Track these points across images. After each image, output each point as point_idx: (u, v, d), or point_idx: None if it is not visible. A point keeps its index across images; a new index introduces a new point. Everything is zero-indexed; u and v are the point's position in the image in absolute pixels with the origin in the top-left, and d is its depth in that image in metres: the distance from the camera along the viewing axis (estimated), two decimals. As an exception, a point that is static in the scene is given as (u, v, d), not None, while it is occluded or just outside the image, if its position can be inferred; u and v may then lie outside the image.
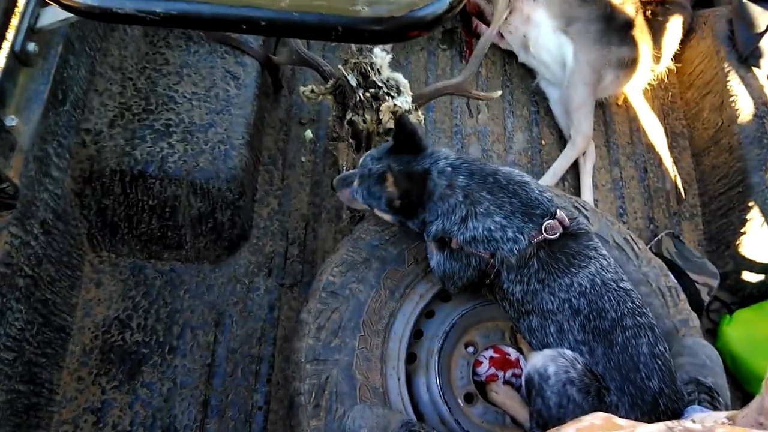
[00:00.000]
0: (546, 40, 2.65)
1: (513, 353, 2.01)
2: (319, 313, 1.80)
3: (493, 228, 1.68)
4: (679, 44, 2.75)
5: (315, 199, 2.43)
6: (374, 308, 1.84)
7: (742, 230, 2.37)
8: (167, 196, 2.03)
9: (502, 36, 2.79)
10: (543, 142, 2.73)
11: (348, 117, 2.10)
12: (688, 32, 2.79)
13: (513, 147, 2.68)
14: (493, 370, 1.98)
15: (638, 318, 1.64)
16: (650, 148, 2.76)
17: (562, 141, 2.73)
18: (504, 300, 1.78)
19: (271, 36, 2.29)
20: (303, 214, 2.40)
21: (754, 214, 2.32)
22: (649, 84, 2.80)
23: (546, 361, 1.63)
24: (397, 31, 1.12)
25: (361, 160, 1.84)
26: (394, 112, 2.07)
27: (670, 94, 2.91)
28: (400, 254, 1.91)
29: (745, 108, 2.46)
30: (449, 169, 1.72)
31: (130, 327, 2.09)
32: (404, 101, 2.07)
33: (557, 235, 1.67)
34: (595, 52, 2.57)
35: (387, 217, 1.83)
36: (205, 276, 2.21)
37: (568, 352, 1.64)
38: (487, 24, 2.80)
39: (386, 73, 2.10)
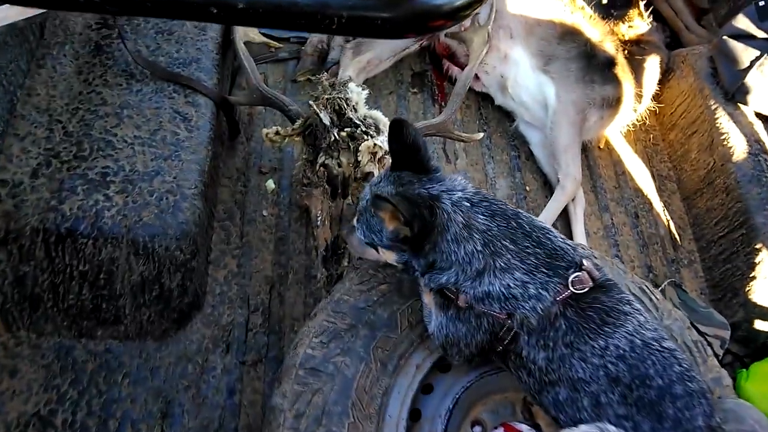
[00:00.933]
0: (525, 79, 2.48)
1: (525, 430, 1.69)
2: (297, 396, 1.45)
3: (512, 285, 1.40)
4: (658, 85, 2.63)
5: (280, 258, 2.10)
6: (364, 386, 1.50)
7: (751, 275, 2.18)
8: (102, 260, 1.67)
9: (477, 77, 2.60)
10: (527, 188, 2.51)
11: (321, 160, 1.82)
12: (666, 72, 2.69)
13: (497, 194, 2.44)
14: (506, 454, 1.65)
15: (689, 384, 1.36)
16: (638, 192, 2.59)
17: (547, 187, 2.52)
18: (521, 369, 1.48)
19: (249, 25, 1.98)
20: (266, 276, 2.06)
21: (763, 257, 2.14)
22: (629, 127, 2.66)
23: (588, 441, 1.33)
24: (413, 21, 0.86)
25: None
26: (373, 153, 1.80)
27: (651, 136, 2.77)
28: (392, 317, 1.60)
29: (738, 146, 2.33)
30: (466, 203, 1.44)
31: (53, 425, 1.66)
32: (385, 141, 1.80)
33: (586, 289, 1.40)
34: (578, 91, 2.41)
35: (392, 257, 1.52)
36: (149, 356, 1.82)
37: (611, 427, 1.34)
38: (460, 65, 2.62)
39: (363, 110, 1.85)
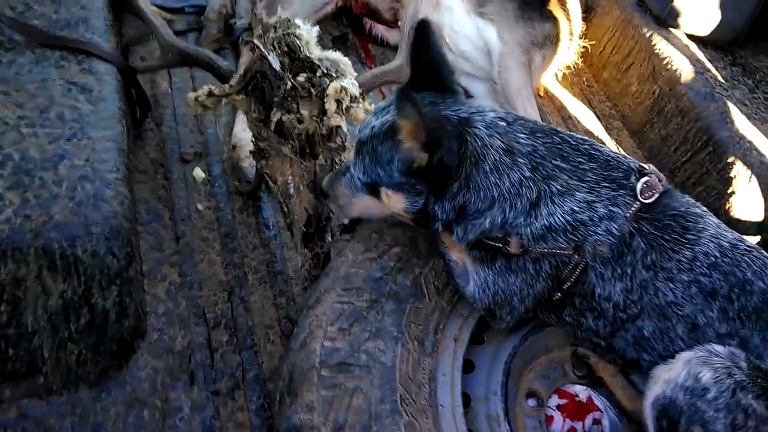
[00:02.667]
0: (462, 26, 2.26)
1: (581, 392, 1.43)
2: (329, 403, 1.07)
3: (576, 209, 1.13)
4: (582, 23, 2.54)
5: (232, 257, 1.68)
6: (407, 373, 1.15)
7: (728, 191, 2.10)
8: (1, 283, 1.17)
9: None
10: None
11: (276, 117, 1.45)
12: (586, 11, 2.61)
13: None
14: (569, 424, 1.38)
15: (792, 280, 1.17)
16: (589, 134, 2.46)
17: None
18: (585, 314, 1.22)
19: None
20: (220, 282, 1.63)
21: (738, 170, 2.06)
22: (563, 70, 2.53)
23: (693, 369, 1.08)
24: None
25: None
26: (338, 101, 1.46)
27: (584, 78, 2.67)
28: (416, 283, 1.26)
29: (683, 68, 2.27)
30: (502, 123, 1.15)
31: None
32: (351, 84, 1.47)
33: (656, 196, 1.16)
34: (520, 30, 2.23)
35: (400, 204, 1.18)
36: (86, 410, 1.33)
37: (719, 347, 1.10)
38: (385, 22, 2.36)
39: (316, 51, 1.50)
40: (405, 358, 1.16)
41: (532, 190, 1.13)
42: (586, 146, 1.20)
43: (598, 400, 1.41)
